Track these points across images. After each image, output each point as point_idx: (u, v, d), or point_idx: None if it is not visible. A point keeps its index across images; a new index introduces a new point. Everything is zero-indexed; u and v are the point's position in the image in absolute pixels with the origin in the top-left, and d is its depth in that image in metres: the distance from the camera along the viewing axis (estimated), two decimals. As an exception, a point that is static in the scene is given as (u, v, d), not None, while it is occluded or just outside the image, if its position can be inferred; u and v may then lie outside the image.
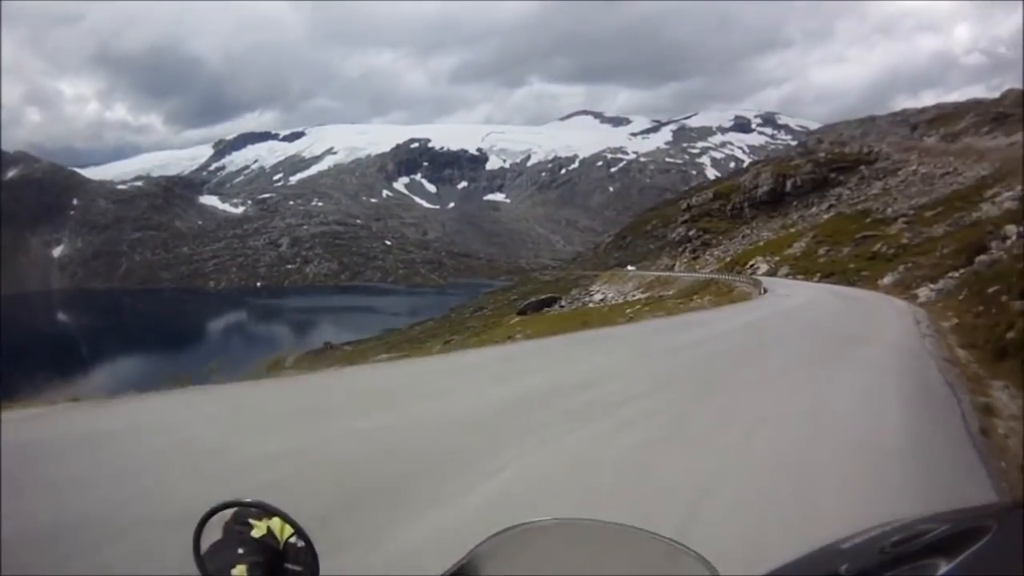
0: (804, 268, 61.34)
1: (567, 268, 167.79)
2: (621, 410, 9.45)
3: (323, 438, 8.05)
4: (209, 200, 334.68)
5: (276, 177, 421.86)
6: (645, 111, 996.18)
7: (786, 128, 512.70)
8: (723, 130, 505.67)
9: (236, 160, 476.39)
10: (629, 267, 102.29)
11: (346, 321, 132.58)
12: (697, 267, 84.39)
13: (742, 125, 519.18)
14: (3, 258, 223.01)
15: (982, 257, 37.90)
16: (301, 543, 1.55)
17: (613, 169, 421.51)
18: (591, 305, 65.67)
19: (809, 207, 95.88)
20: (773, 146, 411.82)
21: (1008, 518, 1.06)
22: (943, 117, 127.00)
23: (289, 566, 1.52)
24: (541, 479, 6.59)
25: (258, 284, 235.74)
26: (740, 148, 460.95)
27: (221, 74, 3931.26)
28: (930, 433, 9.01)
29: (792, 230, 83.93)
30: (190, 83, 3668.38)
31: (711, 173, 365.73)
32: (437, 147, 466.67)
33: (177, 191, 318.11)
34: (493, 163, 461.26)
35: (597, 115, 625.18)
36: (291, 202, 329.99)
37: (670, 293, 56.50)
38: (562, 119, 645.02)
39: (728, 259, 79.90)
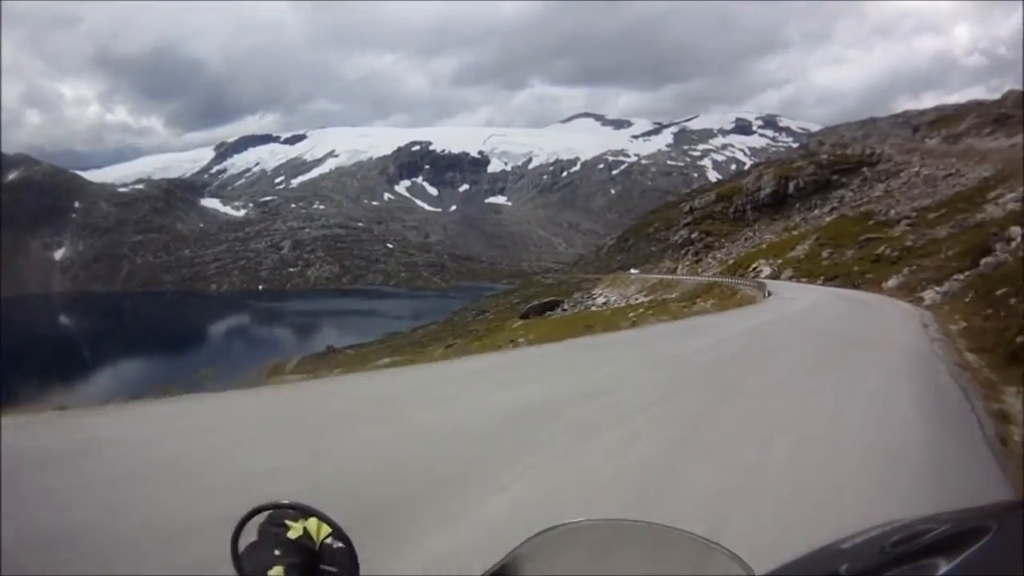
0: (807, 271, 61.21)
1: (569, 271, 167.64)
2: (630, 421, 9.23)
3: (320, 449, 7.89)
4: (210, 203, 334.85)
5: (278, 180, 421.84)
6: (646, 113, 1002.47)
7: (787, 130, 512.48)
8: (724, 132, 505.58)
9: (237, 163, 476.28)
10: (632, 270, 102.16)
11: (348, 324, 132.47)
12: (700, 270, 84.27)
13: (743, 127, 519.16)
14: (4, 261, 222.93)
15: (987, 259, 37.76)
16: (337, 544, 1.55)
17: (615, 171, 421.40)
18: (594, 309, 65.54)
19: (812, 209, 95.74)
20: (774, 148, 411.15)
21: (1008, 518, 1.05)
22: (944, 119, 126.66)
23: (325, 567, 1.52)
24: (552, 493, 6.41)
25: (260, 287, 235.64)
26: (741, 150, 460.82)
27: (222, 76, 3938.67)
28: (948, 441, 8.82)
29: (795, 232, 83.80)
30: (191, 86, 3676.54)
31: (712, 175, 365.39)
32: (438, 150, 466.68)
33: (178, 194, 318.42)
34: (495, 166, 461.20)
35: (598, 117, 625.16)
36: (293, 205, 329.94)
37: (673, 296, 56.35)
38: (563, 121, 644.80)
39: (731, 262, 79.77)
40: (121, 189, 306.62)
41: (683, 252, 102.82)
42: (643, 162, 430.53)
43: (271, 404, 11.68)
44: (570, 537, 1.49)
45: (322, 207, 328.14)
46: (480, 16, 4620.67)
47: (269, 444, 8.11)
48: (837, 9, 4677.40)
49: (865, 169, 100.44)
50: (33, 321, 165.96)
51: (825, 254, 64.38)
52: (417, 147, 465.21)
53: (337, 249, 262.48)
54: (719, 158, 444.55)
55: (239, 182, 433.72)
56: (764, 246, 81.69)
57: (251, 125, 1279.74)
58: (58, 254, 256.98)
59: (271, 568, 1.42)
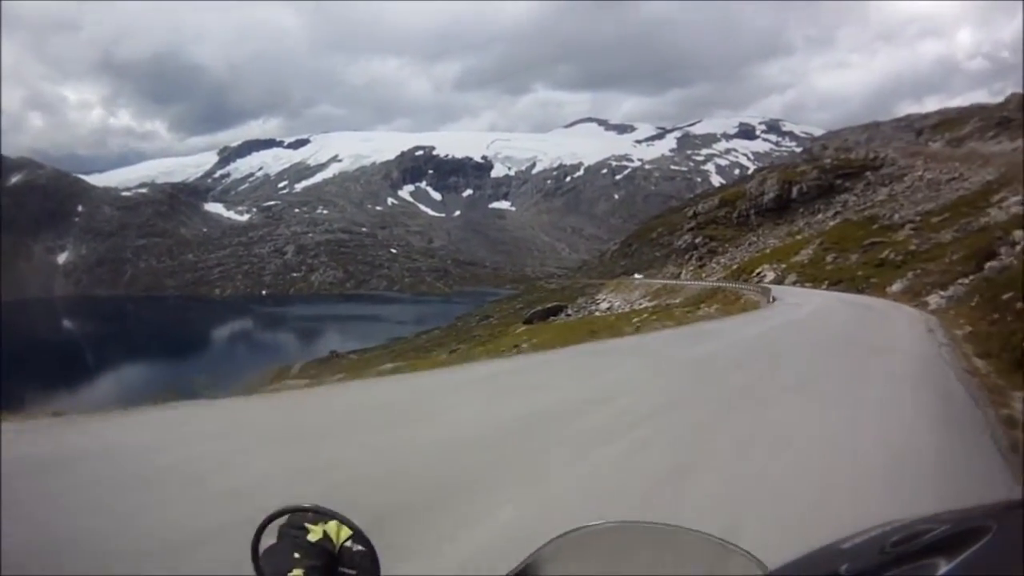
0: (811, 275, 61.07)
1: (573, 276, 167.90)
2: (637, 429, 9.11)
3: (322, 457, 7.78)
4: (214, 207, 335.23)
5: (281, 184, 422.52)
6: (650, 118, 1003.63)
7: (790, 135, 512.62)
8: (727, 137, 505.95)
9: (241, 167, 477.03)
10: (636, 275, 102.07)
11: (352, 330, 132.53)
12: (703, 275, 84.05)
13: (746, 132, 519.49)
14: (6, 264, 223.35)
15: (992, 263, 37.63)
16: (357, 547, 1.56)
17: (618, 176, 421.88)
18: (597, 314, 65.43)
19: (815, 214, 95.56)
20: (778, 153, 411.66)
21: (1008, 518, 1.04)
22: (947, 122, 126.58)
23: (344, 570, 1.53)
24: (559, 503, 6.31)
25: (263, 292, 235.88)
26: (745, 155, 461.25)
27: (225, 81, 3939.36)
28: (960, 449, 8.73)
29: (798, 237, 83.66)
30: (194, 90, 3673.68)
31: (716, 180, 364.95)
32: (442, 155, 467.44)
33: (182, 198, 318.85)
34: (498, 171, 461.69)
35: (602, 122, 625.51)
36: (296, 210, 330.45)
37: (677, 302, 56.23)
38: (567, 126, 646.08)
39: (735, 267, 79.64)
40: (124, 193, 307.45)
41: (687, 257, 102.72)
42: (647, 167, 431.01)
43: (274, 411, 11.60)
44: (591, 539, 1.50)
45: (326, 212, 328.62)
46: (483, 21, 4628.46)
47: (271, 451, 8.03)
48: (840, 14, 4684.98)
49: (868, 173, 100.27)
50: (35, 325, 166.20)
51: (829, 259, 64.21)
52: (421, 152, 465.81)
53: (341, 254, 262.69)
54: (722, 163, 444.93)
55: (243, 187, 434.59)
56: (768, 251, 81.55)
57: (255, 129, 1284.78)
58: (61, 258, 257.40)
59: (291, 571, 1.42)
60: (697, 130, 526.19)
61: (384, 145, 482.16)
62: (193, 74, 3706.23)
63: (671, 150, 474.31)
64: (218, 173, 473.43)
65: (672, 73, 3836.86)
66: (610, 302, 75.66)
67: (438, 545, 5.18)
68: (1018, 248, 37.78)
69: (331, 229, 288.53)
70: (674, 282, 77.01)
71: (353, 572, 1.53)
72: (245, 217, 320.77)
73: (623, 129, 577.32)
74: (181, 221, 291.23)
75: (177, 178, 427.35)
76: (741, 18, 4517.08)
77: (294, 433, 9.32)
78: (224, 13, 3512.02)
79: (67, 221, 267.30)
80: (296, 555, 1.46)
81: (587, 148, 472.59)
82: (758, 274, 67.05)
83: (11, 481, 6.31)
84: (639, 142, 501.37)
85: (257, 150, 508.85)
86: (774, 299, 41.73)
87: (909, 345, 20.51)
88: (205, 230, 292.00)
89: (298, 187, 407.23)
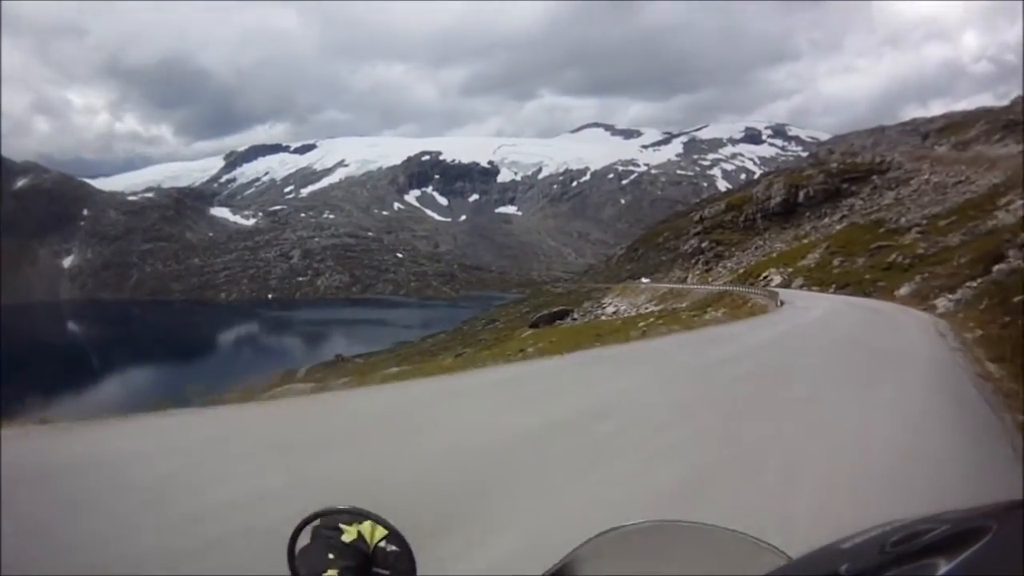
0: (818, 279, 60.87)
1: (579, 281, 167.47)
2: (650, 442, 8.78)
3: (313, 472, 7.47)
4: (220, 212, 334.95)
5: (287, 189, 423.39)
6: (656, 123, 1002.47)
7: (796, 139, 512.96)
8: (734, 142, 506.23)
9: (247, 172, 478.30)
10: (643, 279, 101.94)
11: (357, 334, 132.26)
12: (710, 279, 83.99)
13: (752, 136, 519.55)
14: (12, 268, 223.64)
15: (1000, 266, 37.45)
16: (391, 547, 1.56)
17: (624, 181, 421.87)
18: (603, 318, 65.30)
19: (822, 218, 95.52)
20: (784, 157, 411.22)
21: (1008, 518, 1.03)
22: (953, 126, 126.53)
23: (378, 570, 1.54)
24: (568, 519, 5.97)
25: (269, 296, 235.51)
26: (751, 160, 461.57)
27: (231, 86, 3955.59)
28: (983, 458, 8.54)
29: (805, 241, 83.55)
30: (200, 95, 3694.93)
31: (722, 185, 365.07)
32: (448, 160, 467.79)
33: (188, 202, 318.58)
34: (504, 176, 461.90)
35: (608, 127, 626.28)
36: (302, 214, 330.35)
37: (683, 306, 56.08)
38: (573, 131, 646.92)
39: (741, 271, 79.52)
40: (130, 197, 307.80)
41: (693, 261, 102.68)
42: (653, 172, 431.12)
43: (274, 418, 11.38)
44: (627, 538, 1.52)
45: (332, 216, 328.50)
46: (489, 26, 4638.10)
47: (270, 461, 7.85)
48: (846, 19, 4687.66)
49: (875, 177, 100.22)
50: (40, 329, 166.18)
51: (836, 262, 64.02)
52: (427, 157, 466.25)
53: (347, 258, 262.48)
54: (729, 167, 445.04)
55: (249, 191, 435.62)
56: (774, 255, 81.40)
57: (261, 134, 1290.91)
58: (66, 262, 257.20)
59: (325, 572, 1.43)
60: (703, 135, 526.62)
61: (390, 150, 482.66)
62: (199, 79, 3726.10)
63: (677, 155, 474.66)
64: (224, 178, 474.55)
65: (678, 78, 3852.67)
66: (616, 306, 75.57)
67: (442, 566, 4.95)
68: (1026, 251, 37.60)
69: (337, 233, 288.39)
70: (680, 286, 76.87)
71: (387, 572, 1.54)
72: (251, 222, 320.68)
73: (629, 134, 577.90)
74: (187, 225, 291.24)
75: (183, 183, 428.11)
76: (747, 23, 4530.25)
77: (294, 442, 9.10)
78: (230, 18, 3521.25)
79: (72, 225, 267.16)
80: (330, 556, 1.47)
81: (593, 153, 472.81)
82: (764, 278, 66.83)
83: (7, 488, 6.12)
84: (645, 147, 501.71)
85: (263, 155, 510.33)
86: (782, 303, 41.49)
87: (921, 350, 20.35)
88: (211, 234, 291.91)
89: (304, 192, 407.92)
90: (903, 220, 71.29)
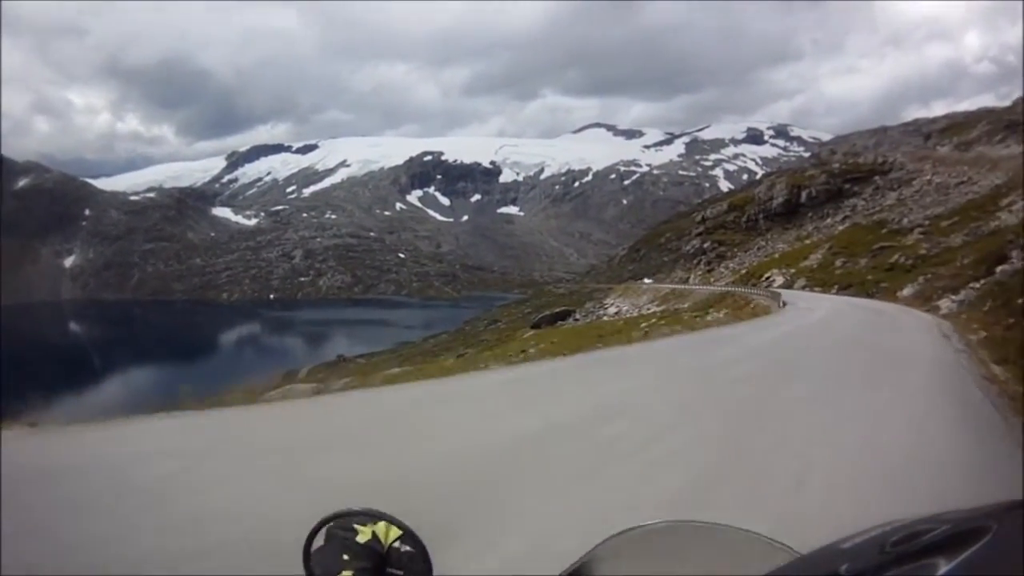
0: (821, 280, 60.83)
1: (581, 281, 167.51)
2: (653, 447, 8.60)
3: (307, 478, 7.32)
4: (222, 212, 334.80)
5: (289, 189, 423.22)
6: (658, 123, 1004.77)
7: (798, 140, 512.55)
8: (736, 142, 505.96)
9: (249, 172, 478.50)
10: (645, 280, 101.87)
11: (359, 334, 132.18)
12: (712, 280, 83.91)
13: (754, 137, 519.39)
14: (14, 268, 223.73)
15: (1004, 267, 37.40)
16: (406, 547, 1.58)
17: (626, 182, 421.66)
18: (605, 318, 65.23)
19: (824, 218, 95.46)
20: (786, 158, 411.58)
21: (1008, 518, 1.01)
22: (955, 126, 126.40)
23: (392, 570, 1.54)
24: (570, 526, 5.83)
25: (271, 296, 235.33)
26: (753, 160, 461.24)
27: (232, 87, 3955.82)
28: (990, 461, 8.43)
29: (807, 241, 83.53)
30: (202, 95, 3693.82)
31: (724, 185, 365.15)
32: (450, 160, 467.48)
33: (190, 203, 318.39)
34: (506, 176, 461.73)
35: (610, 128, 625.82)
36: (304, 214, 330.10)
37: (686, 306, 56.01)
38: (575, 132, 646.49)
39: (743, 271, 79.46)
40: (132, 197, 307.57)
41: (695, 262, 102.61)
42: (655, 172, 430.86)
43: (276, 421, 11.30)
44: (645, 538, 1.53)
45: (334, 217, 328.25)
46: (491, 27, 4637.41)
47: (271, 463, 7.81)
48: (848, 20, 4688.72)
49: (877, 178, 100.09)
50: (41, 329, 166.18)
51: (838, 263, 63.97)
52: (429, 157, 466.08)
53: (349, 259, 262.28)
54: (731, 168, 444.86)
55: (250, 191, 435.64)
56: (777, 255, 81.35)
57: (262, 135, 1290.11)
58: (68, 261, 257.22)
59: (340, 573, 1.44)
60: (705, 135, 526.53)
61: (392, 150, 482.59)
62: (201, 79, 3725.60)
63: (679, 155, 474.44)
64: (226, 178, 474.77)
65: (680, 78, 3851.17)
66: (618, 307, 75.53)
67: None
68: (1030, 252, 37.50)
69: (339, 234, 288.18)
70: (682, 287, 76.83)
71: (401, 573, 1.54)
72: (253, 222, 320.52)
73: (631, 134, 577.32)
74: (189, 225, 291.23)
75: (185, 183, 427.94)
76: (749, 23, 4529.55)
77: (294, 446, 9.03)
78: (231, 18, 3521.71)
79: (74, 225, 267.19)
80: (345, 557, 1.48)
81: (595, 153, 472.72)
82: (767, 279, 66.75)
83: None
84: (647, 147, 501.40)
85: (265, 155, 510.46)
86: (784, 304, 41.39)
87: (926, 352, 20.24)
88: (213, 234, 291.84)
89: (306, 192, 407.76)
90: (905, 221, 71.24)
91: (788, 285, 61.65)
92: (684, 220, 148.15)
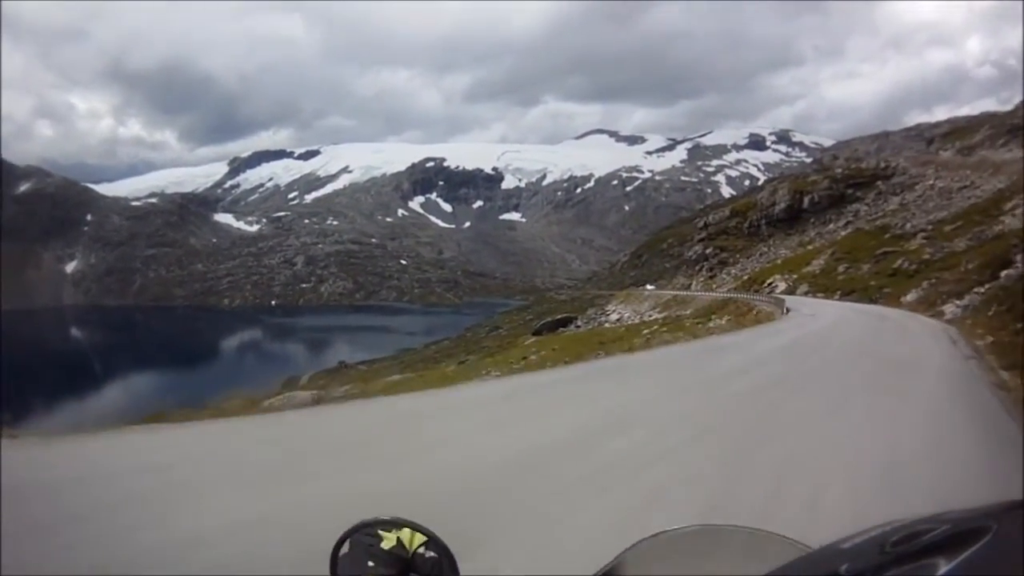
0: (823, 286, 60.70)
1: (583, 287, 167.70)
2: (657, 467, 8.14)
3: (295, 496, 7.03)
4: (224, 218, 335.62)
5: (291, 195, 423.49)
6: (660, 129, 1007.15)
7: (800, 145, 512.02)
8: (738, 148, 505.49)
9: (251, 178, 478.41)
10: (647, 286, 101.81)
11: (361, 340, 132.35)
12: (714, 286, 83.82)
13: (756, 143, 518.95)
14: (16, 273, 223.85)
15: (1008, 271, 37.13)
16: (430, 553, 1.59)
17: (628, 188, 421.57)
18: (607, 325, 65.12)
19: (827, 224, 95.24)
20: (788, 163, 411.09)
21: (1008, 518, 1.03)
22: (957, 131, 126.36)
23: None
24: (573, 551, 5.51)
25: (273, 303, 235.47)
26: (755, 166, 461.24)
27: (235, 92, 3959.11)
28: (1012, 475, 7.96)
29: (810, 247, 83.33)
30: (204, 100, 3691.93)
31: (726, 191, 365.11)
32: (452, 166, 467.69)
33: (192, 208, 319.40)
34: (508, 182, 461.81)
35: (612, 134, 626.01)
36: (306, 220, 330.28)
37: (688, 313, 55.83)
38: (577, 138, 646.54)
39: (745, 277, 79.40)
40: (134, 203, 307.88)
41: (697, 268, 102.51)
42: (657, 178, 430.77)
43: (275, 432, 11.11)
44: (674, 542, 1.56)
45: (336, 223, 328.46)
46: (493, 33, 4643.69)
47: (271, 472, 7.58)
48: (850, 25, 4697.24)
49: (880, 183, 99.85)
50: (42, 334, 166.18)
51: (841, 268, 63.84)
52: (431, 163, 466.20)
53: (350, 265, 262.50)
54: (733, 174, 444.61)
55: (252, 197, 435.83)
56: (779, 261, 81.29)
57: (264, 140, 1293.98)
58: (70, 267, 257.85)
59: None
60: (707, 141, 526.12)
61: (394, 156, 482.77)
62: (203, 85, 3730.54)
63: (681, 161, 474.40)
64: (228, 183, 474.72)
65: (682, 84, 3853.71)
66: (620, 313, 75.44)
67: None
68: (1036, 256, 37.28)
69: (341, 240, 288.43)
70: (684, 293, 76.76)
71: None
72: (255, 228, 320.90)
73: (633, 140, 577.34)
74: (191, 231, 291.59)
75: (187, 188, 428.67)
76: (750, 29, 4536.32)
77: (288, 459, 8.78)
78: (234, 24, 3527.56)
79: (76, 230, 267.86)
80: (370, 563, 1.51)
81: (597, 159, 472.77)
82: (769, 284, 66.62)
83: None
84: (649, 153, 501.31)
85: (267, 161, 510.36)
86: (788, 310, 41.17)
87: (935, 358, 19.95)
88: (215, 240, 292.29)
89: (308, 198, 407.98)
90: (908, 226, 71.07)
91: (791, 291, 61.54)
92: (686, 226, 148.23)
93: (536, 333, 69.57)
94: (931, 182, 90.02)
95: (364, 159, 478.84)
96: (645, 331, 38.45)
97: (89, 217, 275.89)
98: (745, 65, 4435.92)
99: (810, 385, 15.29)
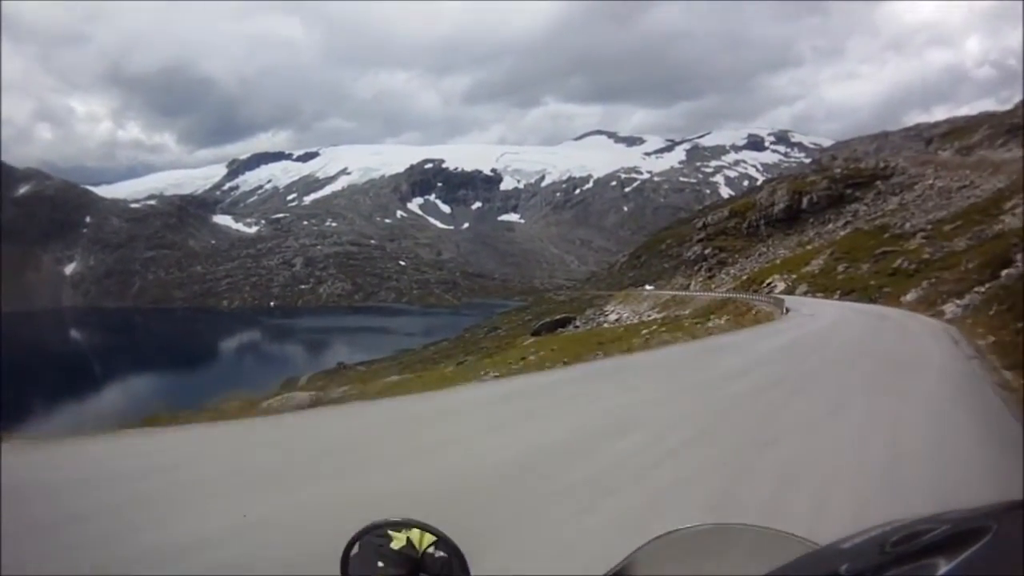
0: (823, 286, 60.69)
1: (581, 288, 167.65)
2: (659, 469, 8.08)
3: (295, 497, 7.00)
4: (223, 219, 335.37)
5: (290, 197, 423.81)
6: (659, 130, 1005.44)
7: (799, 146, 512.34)
8: (736, 148, 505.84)
9: (250, 180, 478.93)
10: (646, 286, 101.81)
11: (359, 341, 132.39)
12: (713, 286, 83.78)
13: (755, 143, 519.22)
14: (14, 275, 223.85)
15: (1009, 271, 37.07)
16: (440, 552, 1.59)
17: (627, 189, 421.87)
18: (606, 325, 65.06)
19: (826, 224, 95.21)
20: (786, 164, 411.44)
21: (1008, 518, 1.03)
22: (957, 131, 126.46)
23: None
24: (570, 558, 5.45)
25: (271, 304, 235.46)
26: (754, 166, 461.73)
27: (234, 94, 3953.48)
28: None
29: (809, 247, 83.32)
30: (203, 103, 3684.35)
31: (725, 192, 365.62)
32: (451, 168, 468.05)
33: (191, 210, 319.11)
34: (507, 183, 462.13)
35: (611, 135, 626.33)
36: (305, 222, 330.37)
37: (686, 313, 55.78)
38: (576, 139, 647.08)
39: (744, 278, 79.39)
40: (133, 205, 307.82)
41: (696, 268, 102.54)
42: (656, 179, 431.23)
43: (273, 434, 11.06)
44: (686, 540, 1.56)
45: (334, 224, 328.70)
46: (493, 34, 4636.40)
47: (270, 474, 7.53)
48: (849, 25, 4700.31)
49: (879, 182, 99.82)
50: (41, 336, 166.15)
51: (840, 268, 63.81)
52: (430, 165, 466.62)
53: (349, 266, 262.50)
54: (731, 174, 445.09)
55: (251, 199, 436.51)
56: (778, 261, 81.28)
57: (263, 142, 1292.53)
58: (69, 269, 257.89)
59: None
60: (706, 142, 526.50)
61: (393, 158, 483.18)
62: (202, 87, 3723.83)
63: (680, 162, 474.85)
64: (227, 185, 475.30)
65: (681, 85, 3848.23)
66: (619, 314, 75.45)
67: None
68: (1036, 255, 37.23)
69: (340, 241, 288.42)
70: (683, 293, 76.77)
71: None
72: (254, 229, 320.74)
73: (632, 141, 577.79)
74: (190, 233, 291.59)
75: (186, 190, 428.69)
76: (750, 30, 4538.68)
77: (287, 462, 8.74)
78: (233, 26, 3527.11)
79: (75, 232, 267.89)
80: (380, 564, 1.51)
81: (596, 160, 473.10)
82: (768, 284, 66.59)
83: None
84: (648, 154, 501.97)
85: (266, 163, 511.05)
86: (787, 310, 41.10)
87: (936, 358, 19.90)
88: (214, 242, 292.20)
89: (307, 200, 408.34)
90: (908, 225, 71.06)
91: (790, 291, 61.54)
92: (685, 227, 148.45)
93: (535, 334, 69.50)
94: (930, 182, 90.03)
95: (363, 161, 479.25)
96: (644, 331, 38.38)
97: (88, 219, 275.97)
98: (744, 66, 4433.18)
99: (810, 385, 15.22)
